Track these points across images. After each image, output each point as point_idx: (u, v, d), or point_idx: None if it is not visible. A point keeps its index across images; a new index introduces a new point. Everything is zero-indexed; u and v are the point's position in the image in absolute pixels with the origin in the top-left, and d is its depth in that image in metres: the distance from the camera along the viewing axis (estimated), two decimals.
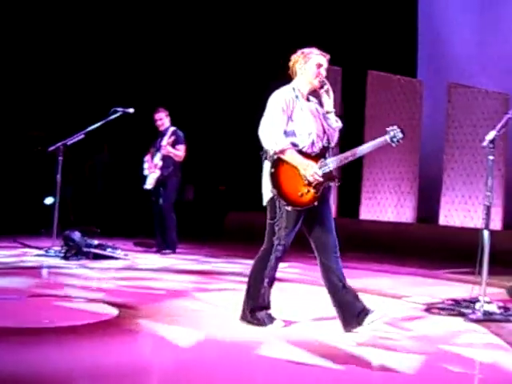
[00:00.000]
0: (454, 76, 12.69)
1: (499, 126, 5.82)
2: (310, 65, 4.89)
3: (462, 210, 11.79)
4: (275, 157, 4.72)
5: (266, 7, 14.31)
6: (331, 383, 3.83)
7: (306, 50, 4.94)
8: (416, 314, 5.83)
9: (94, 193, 14.32)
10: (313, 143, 4.82)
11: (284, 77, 5.02)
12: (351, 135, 12.88)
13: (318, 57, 4.91)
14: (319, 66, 4.89)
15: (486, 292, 5.79)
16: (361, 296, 4.97)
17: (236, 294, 6.41)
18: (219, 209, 14.38)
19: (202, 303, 5.91)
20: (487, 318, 5.53)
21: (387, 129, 4.90)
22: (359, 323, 4.81)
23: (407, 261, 9.71)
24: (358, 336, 4.76)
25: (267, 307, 4.94)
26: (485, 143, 5.75)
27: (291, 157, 4.71)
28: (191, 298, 6.18)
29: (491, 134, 5.73)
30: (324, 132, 4.90)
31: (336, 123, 4.97)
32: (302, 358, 4.14)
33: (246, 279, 5.00)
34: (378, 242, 11.38)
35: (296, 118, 4.81)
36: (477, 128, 11.31)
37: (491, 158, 5.79)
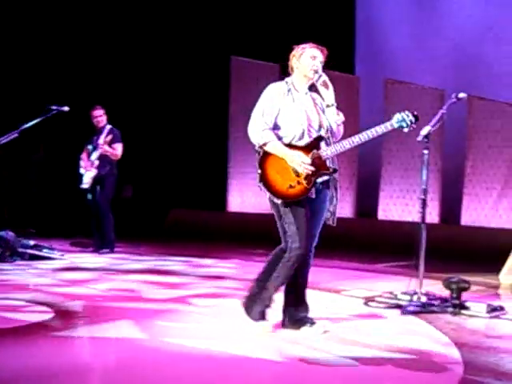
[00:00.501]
0: (391, 72, 12.85)
1: (434, 121, 5.94)
2: (303, 58, 4.81)
3: (400, 205, 11.95)
4: (261, 151, 4.65)
5: (205, 6, 14.21)
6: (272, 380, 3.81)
7: (302, 45, 4.89)
8: (354, 307, 5.87)
9: (30, 193, 14.03)
10: (303, 134, 4.70)
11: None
12: None
13: (311, 50, 4.84)
14: (313, 57, 4.80)
15: (423, 284, 5.90)
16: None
17: (178, 292, 6.41)
18: (160, 207, 14.26)
19: (144, 303, 5.83)
20: (424, 310, 5.61)
21: (393, 115, 4.79)
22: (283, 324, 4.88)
23: (346, 255, 9.78)
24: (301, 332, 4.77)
25: (268, 305, 4.79)
26: (420, 138, 5.88)
27: (275, 148, 4.61)
28: (131, 297, 6.08)
29: (426, 129, 5.86)
30: (320, 125, 4.76)
31: (336, 116, 4.81)
32: (243, 352, 4.12)
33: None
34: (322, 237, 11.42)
35: (286, 110, 4.71)
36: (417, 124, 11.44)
37: (426, 152, 5.94)
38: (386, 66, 13.55)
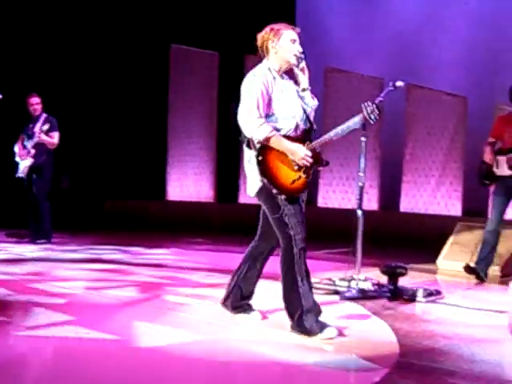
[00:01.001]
0: (332, 61, 12.90)
1: None
2: (283, 41, 4.51)
3: (339, 192, 12.04)
4: (260, 145, 4.34)
5: None
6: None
7: (276, 26, 4.58)
8: None
9: None
10: (297, 126, 4.46)
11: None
12: (229, 124, 12.96)
13: (289, 32, 4.54)
14: (293, 41, 4.51)
15: (361, 270, 5.96)
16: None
17: (123, 281, 6.33)
18: (98, 196, 14.07)
19: (84, 292, 5.74)
20: (362, 296, 5.67)
21: (362, 104, 4.65)
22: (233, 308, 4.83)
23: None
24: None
25: (313, 310, 4.41)
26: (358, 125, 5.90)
27: (277, 143, 4.32)
28: (72, 287, 5.97)
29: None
30: (304, 113, 4.53)
31: (313, 101, 4.61)
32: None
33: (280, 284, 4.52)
34: (256, 225, 11.44)
35: (277, 100, 4.43)
36: (352, 111, 11.51)
37: (364, 139, 6.01)
38: (327, 54, 13.58)
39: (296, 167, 4.35)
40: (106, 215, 13.66)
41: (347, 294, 5.67)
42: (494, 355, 4.11)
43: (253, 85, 4.41)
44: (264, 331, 4.52)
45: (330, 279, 6.16)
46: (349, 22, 13.98)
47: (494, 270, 7.28)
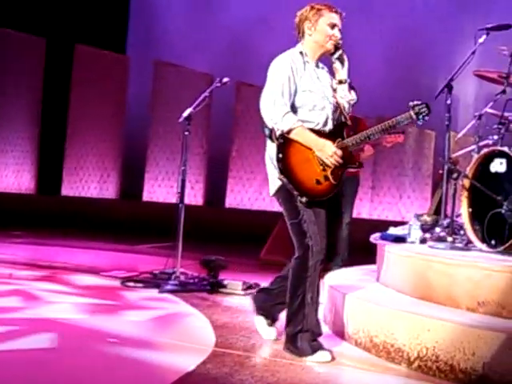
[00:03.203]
0: (164, 55, 12.83)
1: (196, 103, 6.11)
2: (321, 24, 3.97)
3: (165, 186, 12.03)
4: (281, 138, 3.83)
5: None
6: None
7: (317, 6, 4.01)
8: (113, 287, 5.81)
9: None
10: (327, 119, 3.99)
11: None
12: (54, 113, 12.57)
13: (330, 14, 3.98)
14: (332, 26, 3.97)
15: (183, 264, 5.99)
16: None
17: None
18: None
19: None
20: (181, 289, 5.69)
21: (410, 103, 3.90)
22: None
23: (111, 236, 9.67)
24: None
25: (313, 331, 3.94)
26: (181, 120, 6.03)
27: (303, 136, 3.83)
28: None
29: (187, 111, 6.07)
30: (337, 106, 4.03)
31: (350, 95, 4.05)
32: None
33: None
34: (80, 219, 11.22)
35: (306, 88, 3.95)
36: (182, 106, 11.52)
37: (186, 133, 6.09)
38: (159, 48, 13.49)
39: (322, 166, 3.86)
40: None
41: (167, 287, 5.67)
42: None
43: (279, 69, 3.94)
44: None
45: (150, 273, 6.14)
46: (184, 18, 13.94)
47: None
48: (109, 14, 13.37)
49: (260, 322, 4.33)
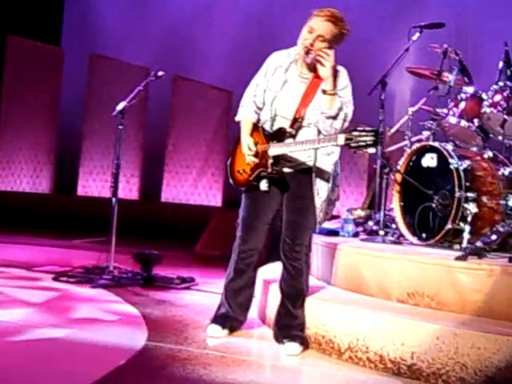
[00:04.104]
0: (100, 48, 12.65)
1: (130, 96, 6.10)
2: (303, 29, 3.95)
3: (99, 181, 11.88)
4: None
5: None
6: None
7: (316, 11, 3.94)
8: (45, 283, 5.71)
9: None
10: (273, 120, 4.04)
11: None
12: None
13: (314, 20, 3.90)
14: (310, 30, 3.89)
15: (116, 258, 5.93)
16: None
17: None
18: None
19: None
20: (114, 283, 5.65)
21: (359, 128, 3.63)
22: None
23: (43, 232, 9.51)
24: None
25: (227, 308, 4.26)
26: (114, 113, 6.01)
27: (242, 129, 4.12)
28: None
29: (121, 105, 6.05)
30: (299, 114, 3.95)
31: (325, 107, 3.83)
32: None
33: None
34: (13, 213, 10.99)
35: (270, 88, 4.05)
36: (117, 100, 11.39)
37: (121, 127, 6.07)
38: (95, 40, 13.29)
39: (245, 160, 4.06)
40: None
41: (100, 282, 5.60)
42: (239, 337, 4.26)
43: (264, 64, 4.15)
44: None
45: (83, 267, 6.06)
46: (120, 11, 13.77)
47: None
48: (43, 4, 13.11)
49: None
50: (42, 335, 4.03)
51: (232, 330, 4.27)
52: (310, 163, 4.00)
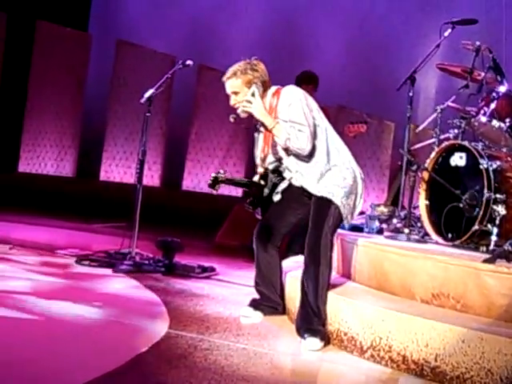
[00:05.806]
0: (126, 34, 12.66)
1: (158, 84, 6.07)
2: None
3: (122, 166, 11.90)
4: None
5: None
6: None
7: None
8: (68, 265, 5.73)
9: None
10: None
11: None
12: (13, 89, 12.28)
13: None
14: (228, 95, 4.57)
15: (138, 245, 5.94)
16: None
17: None
18: None
19: None
20: (136, 269, 5.64)
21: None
22: None
23: (66, 215, 9.54)
24: None
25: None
26: (143, 100, 5.99)
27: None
28: None
29: (149, 92, 6.00)
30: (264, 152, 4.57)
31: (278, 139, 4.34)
32: None
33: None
34: (37, 196, 11.03)
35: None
36: (142, 86, 11.40)
37: (148, 114, 6.06)
38: (122, 27, 13.31)
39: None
40: None
41: (122, 267, 5.61)
42: (261, 329, 4.25)
43: None
44: None
45: (105, 252, 6.07)
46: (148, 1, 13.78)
47: None
48: None
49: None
50: (64, 317, 4.04)
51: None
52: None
